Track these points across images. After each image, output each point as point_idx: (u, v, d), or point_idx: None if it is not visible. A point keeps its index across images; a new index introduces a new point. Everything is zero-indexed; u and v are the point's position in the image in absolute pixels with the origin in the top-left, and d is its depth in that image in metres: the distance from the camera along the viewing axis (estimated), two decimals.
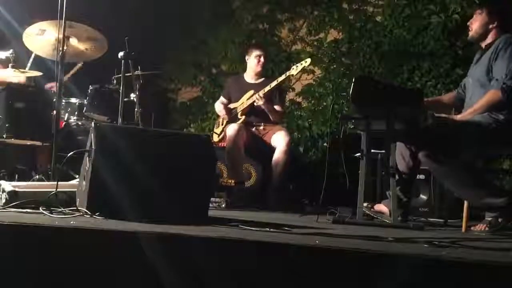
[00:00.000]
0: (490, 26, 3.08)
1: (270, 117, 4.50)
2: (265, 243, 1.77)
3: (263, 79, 4.66)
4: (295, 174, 4.88)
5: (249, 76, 4.73)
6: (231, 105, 4.69)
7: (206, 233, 1.90)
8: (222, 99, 4.81)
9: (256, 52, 4.66)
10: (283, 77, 4.43)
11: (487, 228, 2.84)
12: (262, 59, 4.62)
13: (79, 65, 4.90)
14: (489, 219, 2.89)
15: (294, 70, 4.40)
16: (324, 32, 6.04)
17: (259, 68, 4.64)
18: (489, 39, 3.08)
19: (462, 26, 4.94)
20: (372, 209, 3.16)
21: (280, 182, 4.26)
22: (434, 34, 5.21)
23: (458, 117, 3.04)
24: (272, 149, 4.34)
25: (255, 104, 4.43)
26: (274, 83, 4.38)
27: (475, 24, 3.13)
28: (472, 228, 2.92)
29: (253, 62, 4.66)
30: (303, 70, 4.59)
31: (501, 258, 1.80)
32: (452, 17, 5.13)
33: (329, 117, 5.25)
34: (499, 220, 2.86)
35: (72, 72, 4.88)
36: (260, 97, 4.36)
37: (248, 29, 6.56)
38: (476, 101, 3.02)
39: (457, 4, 5.11)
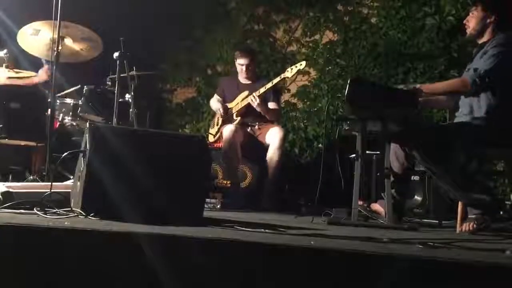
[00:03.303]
0: (488, 21, 3.04)
1: (267, 117, 4.47)
2: (260, 244, 1.77)
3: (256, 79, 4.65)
4: (290, 175, 4.88)
5: (242, 77, 4.72)
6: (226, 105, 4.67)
7: (201, 234, 1.89)
8: (217, 97, 4.79)
9: (239, 61, 4.60)
10: (278, 79, 4.40)
11: (474, 226, 2.84)
12: (244, 68, 4.55)
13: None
14: (473, 216, 2.89)
15: (289, 72, 4.33)
16: (319, 34, 6.05)
17: (243, 75, 4.60)
18: (485, 37, 3.06)
19: (457, 27, 4.97)
20: (368, 208, 3.16)
21: (275, 182, 4.25)
22: (429, 35, 5.23)
23: (421, 85, 3.02)
24: (267, 148, 4.32)
25: (251, 104, 4.41)
26: (269, 85, 4.36)
27: (472, 22, 3.09)
28: (459, 228, 2.92)
29: (238, 68, 4.64)
30: (298, 72, 4.57)
31: (496, 259, 1.81)
32: (447, 19, 5.15)
33: (324, 119, 5.26)
34: (485, 217, 2.86)
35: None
36: (255, 98, 4.35)
37: (244, 30, 6.56)
38: (468, 98, 3.02)
39: (452, 6, 5.13)
